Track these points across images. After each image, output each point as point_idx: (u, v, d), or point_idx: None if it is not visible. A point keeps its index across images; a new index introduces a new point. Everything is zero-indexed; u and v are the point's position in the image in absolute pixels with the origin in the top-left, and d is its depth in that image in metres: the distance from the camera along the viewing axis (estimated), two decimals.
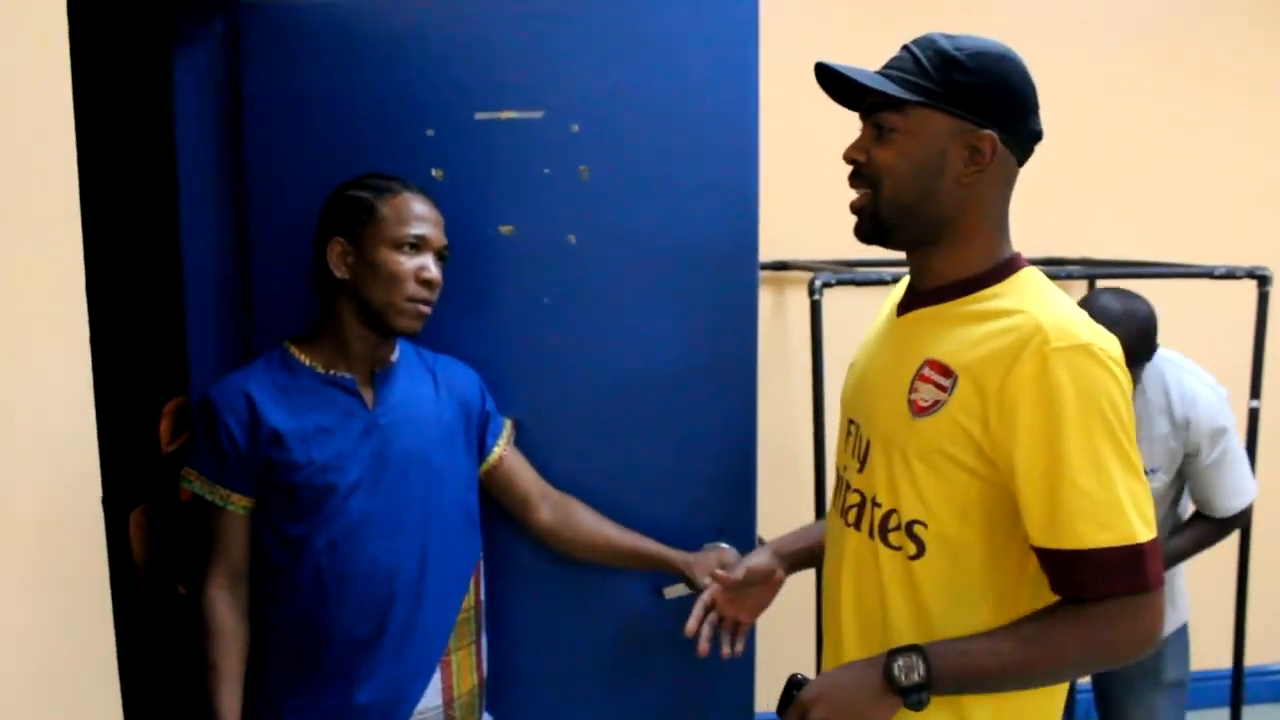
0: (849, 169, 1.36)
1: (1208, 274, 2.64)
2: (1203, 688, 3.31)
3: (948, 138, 1.27)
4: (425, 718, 1.64)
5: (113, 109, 2.20)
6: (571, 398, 1.81)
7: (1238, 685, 2.77)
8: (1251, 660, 2.87)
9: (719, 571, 1.61)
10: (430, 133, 1.73)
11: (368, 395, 1.62)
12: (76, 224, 1.14)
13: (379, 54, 1.71)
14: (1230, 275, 2.60)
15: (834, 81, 1.35)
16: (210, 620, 1.56)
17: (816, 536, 1.64)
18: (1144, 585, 1.18)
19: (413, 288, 1.56)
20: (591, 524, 1.78)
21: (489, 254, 1.76)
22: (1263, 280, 2.63)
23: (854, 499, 1.40)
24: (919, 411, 1.28)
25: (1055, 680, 1.27)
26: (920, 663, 1.21)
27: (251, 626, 1.60)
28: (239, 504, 1.58)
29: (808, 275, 2.43)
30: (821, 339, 2.37)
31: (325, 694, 1.58)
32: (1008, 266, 1.32)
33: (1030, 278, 1.31)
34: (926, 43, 1.29)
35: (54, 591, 1.07)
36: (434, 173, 1.73)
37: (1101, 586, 1.18)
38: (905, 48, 1.32)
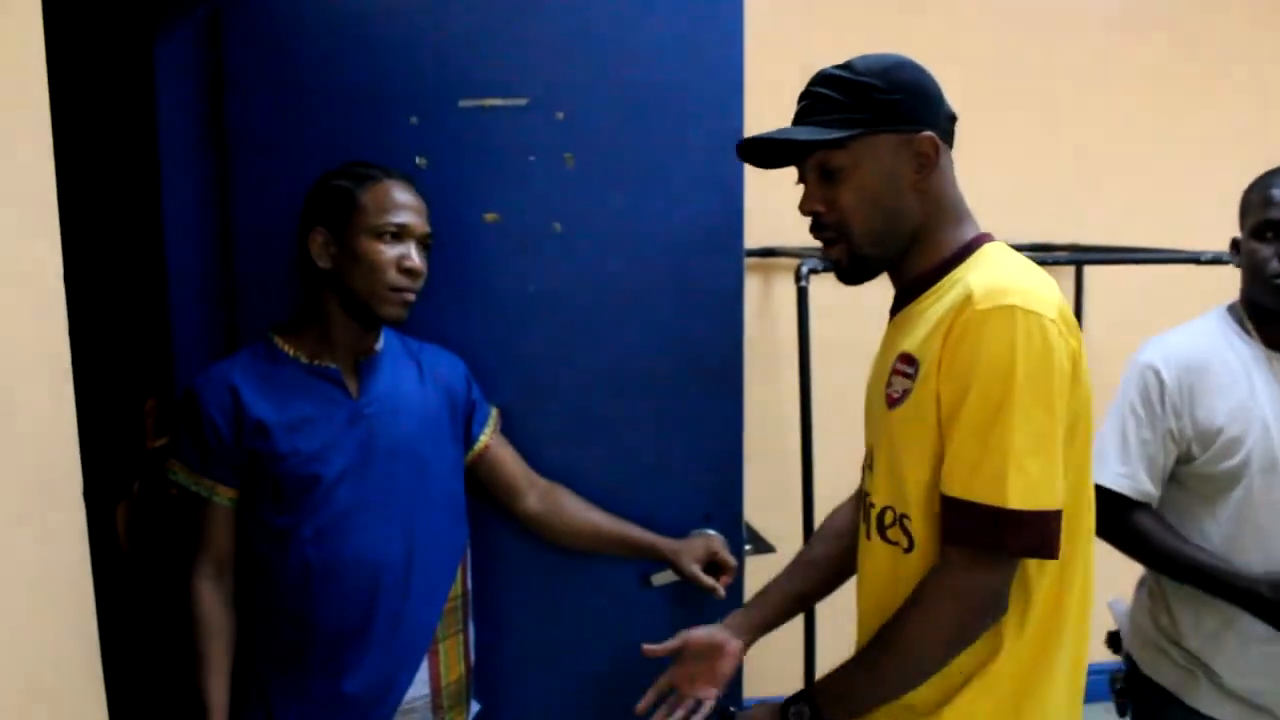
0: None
1: (1194, 260, 2.65)
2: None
3: (893, 156, 1.30)
4: (413, 706, 1.64)
5: (93, 98, 2.18)
6: (558, 385, 1.81)
7: None
8: None
9: (647, 646, 1.58)
10: (414, 120, 1.72)
11: (352, 385, 1.61)
12: (54, 215, 1.13)
13: (362, 41, 1.70)
14: (1218, 261, 2.61)
15: (757, 150, 1.39)
16: (197, 611, 1.56)
17: (798, 585, 1.62)
18: (993, 544, 1.20)
19: (393, 276, 1.55)
20: (579, 512, 1.78)
21: (474, 242, 1.75)
22: None
23: (868, 505, 1.42)
24: (891, 403, 1.31)
25: (935, 665, 1.26)
26: (807, 709, 1.31)
27: (239, 617, 1.60)
28: (224, 495, 1.57)
29: (794, 261, 2.43)
30: (809, 325, 2.37)
31: (313, 684, 1.58)
32: (970, 246, 1.34)
33: (990, 251, 1.33)
34: (828, 80, 1.33)
35: (36, 584, 1.06)
36: (418, 160, 1.72)
37: (957, 536, 1.22)
38: (808, 93, 1.35)
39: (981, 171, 3.03)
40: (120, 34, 2.10)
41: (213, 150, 1.72)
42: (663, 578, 1.83)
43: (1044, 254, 2.99)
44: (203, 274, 1.74)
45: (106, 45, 2.15)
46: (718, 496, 1.85)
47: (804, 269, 2.34)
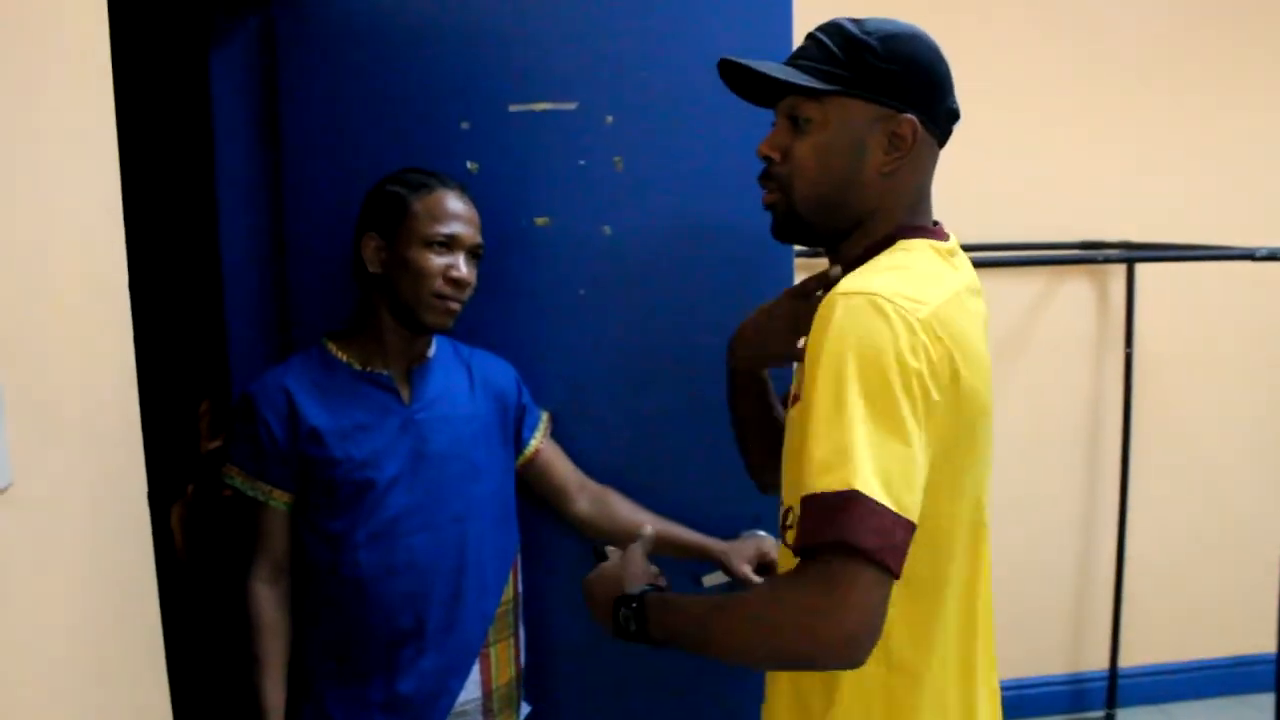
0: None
1: (1249, 256, 2.60)
2: (1250, 673, 3.29)
3: (866, 126, 1.20)
4: (465, 709, 1.66)
5: (151, 106, 2.21)
6: (608, 389, 1.81)
7: None
8: None
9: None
10: (465, 125, 1.73)
11: (404, 391, 1.63)
12: (119, 222, 1.15)
13: (413, 46, 1.71)
14: (1272, 257, 2.56)
15: (741, 78, 1.29)
16: (254, 614, 1.58)
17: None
18: (840, 536, 0.98)
19: (439, 285, 1.56)
20: (629, 514, 1.77)
21: (524, 246, 1.76)
22: None
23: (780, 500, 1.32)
24: (792, 402, 1.22)
25: (740, 657, 1.14)
26: (632, 619, 1.23)
27: (294, 619, 1.62)
28: (280, 499, 1.59)
29: None
30: None
31: (368, 686, 1.59)
32: (888, 240, 1.22)
33: (900, 245, 1.20)
34: (833, 29, 1.23)
35: (102, 585, 1.08)
36: (469, 165, 1.73)
37: (809, 534, 1.02)
38: (811, 36, 1.25)
39: (1032, 169, 3.02)
40: (177, 43, 2.13)
41: (267, 156, 1.74)
42: (713, 579, 1.82)
43: (1096, 251, 2.95)
44: (258, 277, 1.76)
45: (164, 54, 2.18)
46: (767, 498, 1.84)
47: None
